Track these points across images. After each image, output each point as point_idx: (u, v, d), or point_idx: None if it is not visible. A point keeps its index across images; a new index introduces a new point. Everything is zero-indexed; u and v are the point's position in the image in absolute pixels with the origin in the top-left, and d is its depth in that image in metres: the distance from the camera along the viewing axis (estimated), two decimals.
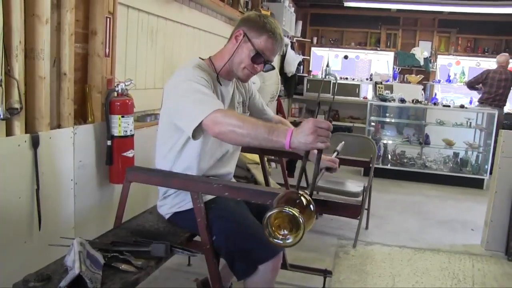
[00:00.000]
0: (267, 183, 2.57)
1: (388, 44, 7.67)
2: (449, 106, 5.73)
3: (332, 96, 6.60)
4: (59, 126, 1.96)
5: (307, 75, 7.73)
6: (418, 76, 7.01)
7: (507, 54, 6.23)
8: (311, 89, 7.57)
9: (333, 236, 3.57)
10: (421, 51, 7.23)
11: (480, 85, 6.17)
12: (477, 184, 5.50)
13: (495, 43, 7.23)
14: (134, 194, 1.89)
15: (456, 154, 5.85)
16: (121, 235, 1.67)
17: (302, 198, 1.29)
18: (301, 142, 1.32)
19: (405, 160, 5.86)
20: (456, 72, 7.26)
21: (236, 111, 1.86)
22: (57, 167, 1.93)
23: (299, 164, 4.17)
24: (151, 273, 1.46)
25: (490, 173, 5.43)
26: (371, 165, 3.41)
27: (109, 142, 2.11)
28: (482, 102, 6.11)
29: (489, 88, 6.02)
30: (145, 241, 1.56)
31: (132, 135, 2.18)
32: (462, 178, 5.59)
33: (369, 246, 3.44)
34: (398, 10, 7.26)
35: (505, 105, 6.20)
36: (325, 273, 2.60)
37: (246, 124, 1.42)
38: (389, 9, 7.26)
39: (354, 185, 3.86)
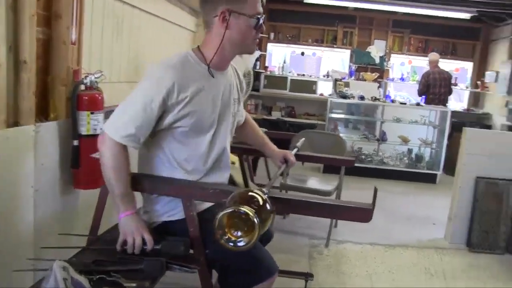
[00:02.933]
0: (246, 184, 2.42)
1: (345, 41, 7.73)
2: (405, 103, 5.87)
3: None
4: (17, 124, 1.70)
5: (264, 71, 7.63)
6: (373, 74, 7.12)
7: (436, 53, 6.52)
8: (268, 85, 7.50)
9: (304, 236, 3.50)
10: (376, 50, 7.36)
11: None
12: (431, 179, 5.68)
13: (443, 44, 7.52)
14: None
15: (410, 151, 6.01)
16: (102, 252, 1.45)
17: (258, 196, 1.23)
18: (121, 227, 1.48)
19: (363, 157, 5.93)
20: (409, 71, 7.47)
21: (231, 108, 1.67)
22: (15, 172, 1.67)
23: (260, 162, 4.06)
24: None
25: (443, 169, 5.66)
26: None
27: (75, 142, 1.86)
28: (428, 103, 6.28)
29: (433, 89, 6.24)
30: (134, 257, 1.36)
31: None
32: (417, 173, 5.74)
33: (341, 245, 3.40)
34: (355, 9, 7.32)
35: (447, 103, 6.46)
36: (306, 276, 2.51)
37: (113, 173, 1.44)
38: (346, 7, 7.30)
39: (323, 183, 3.81)
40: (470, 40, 7.53)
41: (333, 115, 6.03)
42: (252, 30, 1.52)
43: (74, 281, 1.10)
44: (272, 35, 7.82)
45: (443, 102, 6.31)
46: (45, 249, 1.73)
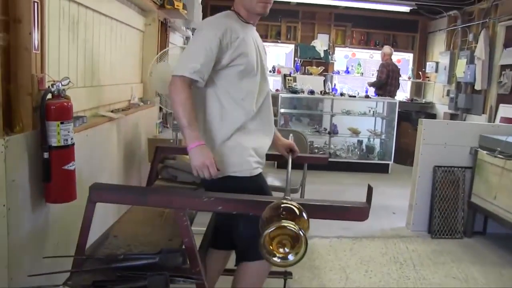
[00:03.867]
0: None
1: (289, 36, 7.83)
2: (354, 96, 6.04)
3: None
4: None
5: None
6: (319, 67, 7.27)
7: (390, 47, 6.81)
8: None
9: None
10: (321, 44, 7.51)
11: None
12: (383, 169, 5.90)
13: (384, 37, 7.86)
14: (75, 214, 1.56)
15: (360, 142, 6.21)
16: (98, 272, 1.34)
17: (292, 207, 1.20)
18: (191, 161, 1.60)
19: (316, 151, 6.04)
20: (353, 64, 7.71)
21: (265, 59, 1.87)
22: None
23: None
24: None
25: (394, 158, 5.91)
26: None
27: (46, 155, 1.71)
28: (385, 95, 6.47)
29: (391, 80, 6.49)
30: (133, 274, 1.27)
31: (73, 144, 1.80)
32: (369, 164, 5.95)
33: (309, 240, 3.40)
34: (298, 4, 7.43)
35: (396, 94, 6.76)
36: (285, 275, 2.53)
37: (180, 107, 1.60)
38: (289, 2, 7.39)
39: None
40: (409, 32, 7.91)
41: (283, 110, 6.09)
42: None
43: None
44: None
45: (395, 94, 6.60)
46: (18, 269, 1.59)
